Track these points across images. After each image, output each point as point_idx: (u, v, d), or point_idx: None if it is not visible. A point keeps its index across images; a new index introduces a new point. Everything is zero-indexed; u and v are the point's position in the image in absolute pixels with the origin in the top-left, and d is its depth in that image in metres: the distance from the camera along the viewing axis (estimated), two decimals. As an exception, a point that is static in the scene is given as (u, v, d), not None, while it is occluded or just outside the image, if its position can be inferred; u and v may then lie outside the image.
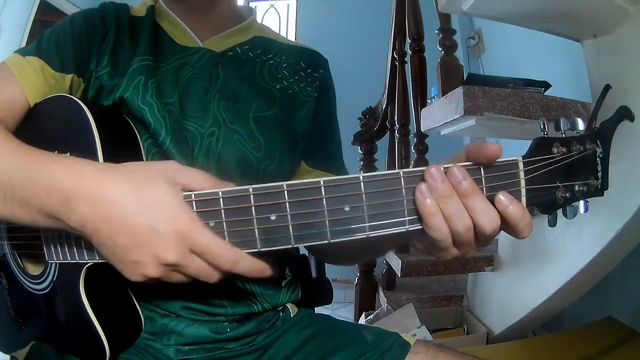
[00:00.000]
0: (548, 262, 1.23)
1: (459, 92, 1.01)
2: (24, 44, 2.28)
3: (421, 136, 1.59)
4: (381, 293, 1.82)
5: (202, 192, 0.41)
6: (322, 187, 0.38)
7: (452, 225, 0.38)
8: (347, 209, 0.39)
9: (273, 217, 0.39)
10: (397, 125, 1.78)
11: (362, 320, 1.77)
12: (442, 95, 1.19)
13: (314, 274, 0.83)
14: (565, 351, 1.18)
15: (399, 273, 1.51)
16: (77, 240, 0.47)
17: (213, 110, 0.60)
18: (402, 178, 0.39)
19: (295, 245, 0.40)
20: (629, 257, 1.10)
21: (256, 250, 0.41)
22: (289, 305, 0.68)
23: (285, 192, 0.39)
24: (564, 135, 0.41)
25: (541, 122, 0.41)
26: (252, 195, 0.39)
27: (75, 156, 0.48)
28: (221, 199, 0.40)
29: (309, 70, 0.70)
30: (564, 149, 0.40)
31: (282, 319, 0.66)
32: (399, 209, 0.39)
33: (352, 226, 0.39)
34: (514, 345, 1.27)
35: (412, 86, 1.66)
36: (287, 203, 0.39)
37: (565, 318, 1.54)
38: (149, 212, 0.38)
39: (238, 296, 0.60)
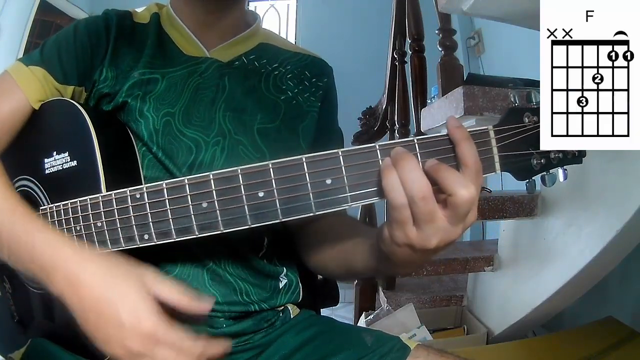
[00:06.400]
0: (548, 262, 1.23)
1: (459, 92, 1.02)
2: (23, 44, 2.28)
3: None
4: (381, 293, 1.82)
5: (194, 176, 0.43)
6: (304, 163, 0.41)
7: (408, 189, 0.38)
8: (328, 182, 0.41)
9: (261, 194, 0.42)
10: (397, 125, 1.78)
11: (362, 320, 1.76)
12: (442, 95, 1.19)
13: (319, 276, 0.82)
14: (565, 351, 1.18)
15: (399, 273, 1.51)
16: (79, 239, 0.48)
17: (219, 121, 0.61)
18: (378, 151, 0.41)
19: (284, 220, 0.42)
20: (629, 257, 1.10)
21: (247, 227, 0.43)
22: (289, 306, 0.68)
23: (271, 169, 0.42)
24: (535, 106, 0.42)
25: (511, 95, 0.43)
26: (240, 175, 0.42)
27: (73, 158, 0.52)
28: (212, 181, 0.43)
29: (314, 80, 0.70)
30: (535, 118, 0.41)
31: (282, 320, 0.66)
32: (377, 179, 0.41)
33: (334, 197, 0.41)
34: (514, 345, 1.27)
35: (412, 86, 1.65)
36: (273, 180, 0.42)
37: (565, 318, 1.54)
38: (119, 305, 0.41)
39: (234, 296, 0.60)
